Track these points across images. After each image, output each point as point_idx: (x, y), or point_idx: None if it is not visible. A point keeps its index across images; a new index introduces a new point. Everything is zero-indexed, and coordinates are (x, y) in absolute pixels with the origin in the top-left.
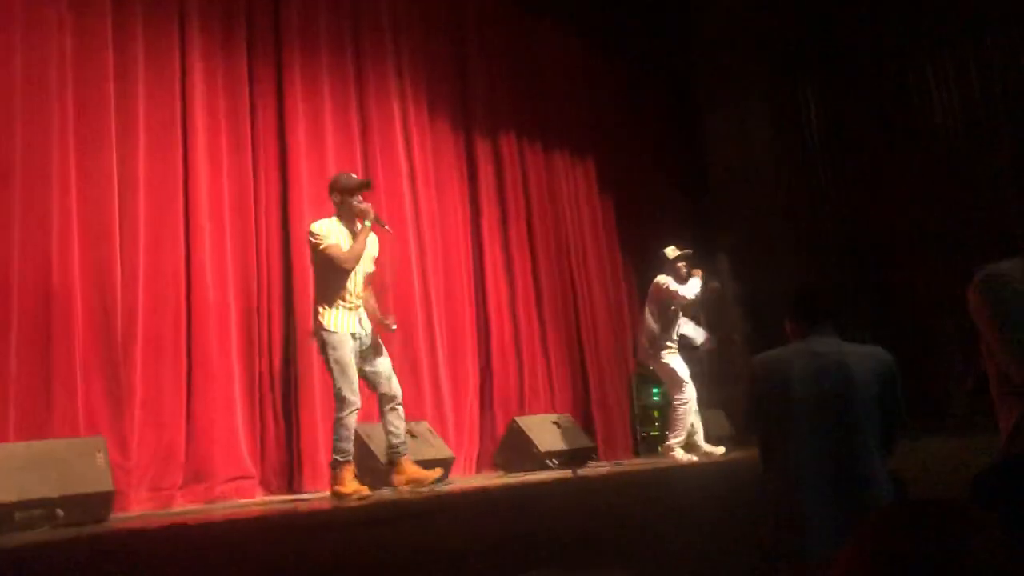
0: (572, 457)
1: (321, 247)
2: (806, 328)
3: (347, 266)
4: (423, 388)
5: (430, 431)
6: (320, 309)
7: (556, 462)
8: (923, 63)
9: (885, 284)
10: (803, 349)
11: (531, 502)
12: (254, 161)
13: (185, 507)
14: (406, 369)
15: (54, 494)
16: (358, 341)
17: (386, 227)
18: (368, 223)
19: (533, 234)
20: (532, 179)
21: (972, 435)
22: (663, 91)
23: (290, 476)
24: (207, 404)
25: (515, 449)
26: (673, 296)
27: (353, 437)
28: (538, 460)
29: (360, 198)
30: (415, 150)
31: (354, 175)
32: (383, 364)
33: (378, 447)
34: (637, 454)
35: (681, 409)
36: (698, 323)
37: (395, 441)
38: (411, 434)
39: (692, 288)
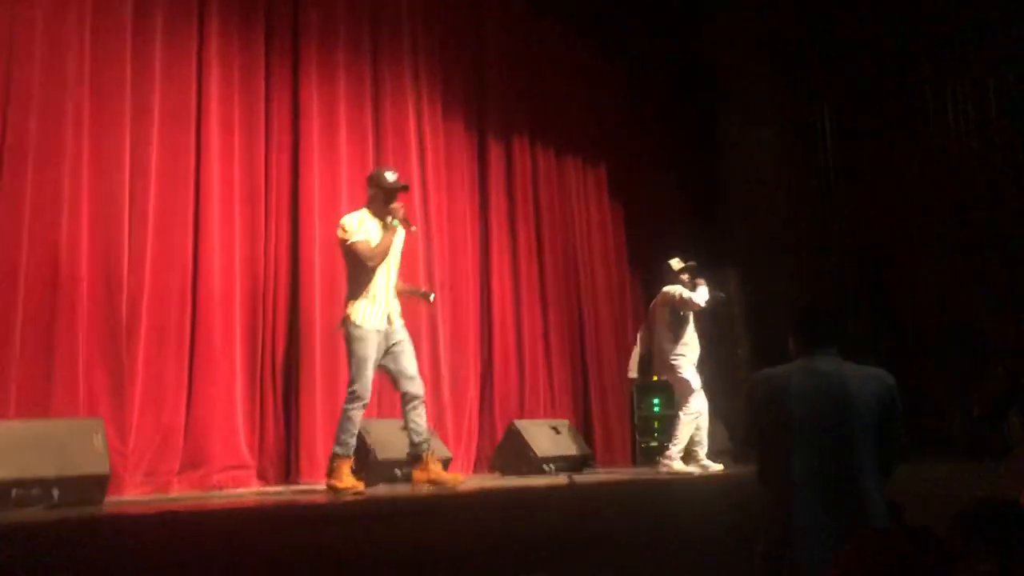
0: (569, 463)
1: (348, 242)
2: (808, 346)
3: (371, 263)
4: (424, 388)
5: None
6: (350, 302)
7: (553, 467)
8: (926, 65)
9: (886, 284)
10: (804, 367)
11: (526, 506)
12: (267, 155)
13: (181, 493)
14: None
15: (51, 474)
16: (383, 337)
17: (412, 228)
18: (396, 222)
19: (541, 239)
20: (543, 185)
21: (972, 460)
22: (674, 97)
23: (287, 467)
24: (208, 392)
25: (513, 452)
26: (687, 303)
27: (357, 432)
28: (535, 464)
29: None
30: (428, 151)
31: (394, 173)
32: (409, 363)
33: (375, 442)
34: (636, 464)
35: (685, 420)
36: (700, 335)
37: (417, 439)
38: None
39: (702, 295)
